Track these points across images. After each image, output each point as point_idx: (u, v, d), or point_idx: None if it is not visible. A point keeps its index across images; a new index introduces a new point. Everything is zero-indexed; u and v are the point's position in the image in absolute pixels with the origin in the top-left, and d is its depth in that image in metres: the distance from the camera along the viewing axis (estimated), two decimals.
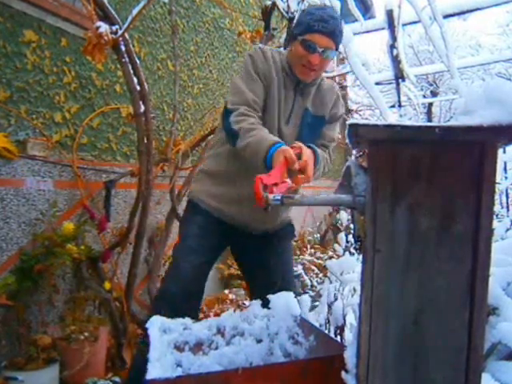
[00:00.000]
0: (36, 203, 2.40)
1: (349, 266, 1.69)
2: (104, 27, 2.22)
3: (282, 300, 1.26)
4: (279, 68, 1.71)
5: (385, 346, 0.77)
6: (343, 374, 0.88)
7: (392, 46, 3.42)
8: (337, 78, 7.14)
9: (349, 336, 1.52)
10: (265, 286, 1.63)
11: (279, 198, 0.92)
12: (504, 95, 0.68)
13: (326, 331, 1.63)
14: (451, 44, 2.94)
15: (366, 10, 7.70)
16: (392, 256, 0.75)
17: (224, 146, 1.72)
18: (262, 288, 1.64)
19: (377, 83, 4.50)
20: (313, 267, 4.95)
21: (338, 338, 1.55)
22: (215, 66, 4.24)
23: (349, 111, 8.70)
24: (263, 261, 1.77)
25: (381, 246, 0.76)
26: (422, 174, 0.73)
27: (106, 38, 2.19)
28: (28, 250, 2.29)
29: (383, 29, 3.65)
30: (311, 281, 4.63)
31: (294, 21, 1.68)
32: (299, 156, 1.42)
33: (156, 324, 1.18)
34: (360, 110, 9.47)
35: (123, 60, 2.42)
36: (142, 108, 2.49)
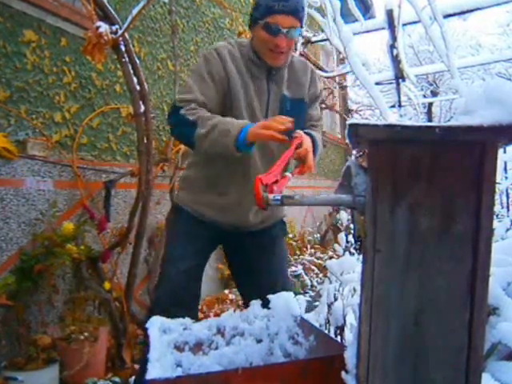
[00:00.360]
0: (36, 203, 2.40)
1: (349, 266, 1.69)
2: (104, 27, 2.22)
3: (282, 300, 1.26)
4: (243, 62, 1.62)
5: (385, 346, 0.77)
6: (343, 374, 0.88)
7: (392, 46, 3.42)
8: (337, 78, 7.15)
9: (349, 336, 1.52)
10: (257, 287, 1.60)
11: (279, 198, 0.92)
12: (504, 95, 0.68)
13: (326, 331, 1.62)
14: (451, 44, 2.94)
15: (366, 9, 7.70)
16: (392, 256, 0.75)
17: (199, 154, 1.67)
18: (253, 289, 1.61)
19: (377, 83, 4.50)
20: (313, 267, 4.96)
21: (338, 338, 1.55)
22: None
23: (349, 111, 8.70)
24: (254, 261, 1.72)
25: (381, 245, 0.75)
26: (422, 174, 0.73)
27: (105, 37, 2.19)
28: (28, 250, 2.29)
29: (383, 29, 3.65)
30: (311, 281, 4.63)
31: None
32: (300, 146, 1.39)
33: (156, 324, 1.18)
34: (360, 110, 9.47)
35: (123, 60, 2.42)
36: (142, 108, 2.49)
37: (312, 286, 4.57)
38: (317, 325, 1.45)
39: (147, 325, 1.19)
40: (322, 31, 3.70)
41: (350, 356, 0.88)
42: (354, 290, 1.65)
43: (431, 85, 13.12)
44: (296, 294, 1.56)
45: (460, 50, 13.22)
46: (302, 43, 3.86)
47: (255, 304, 1.28)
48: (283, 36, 1.51)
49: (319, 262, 5.10)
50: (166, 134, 3.44)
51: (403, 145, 0.73)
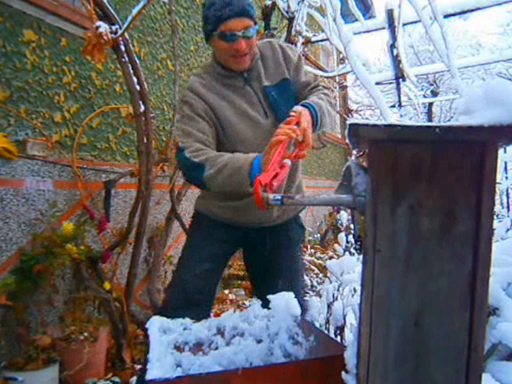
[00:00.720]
0: (36, 203, 2.40)
1: (349, 266, 1.69)
2: (104, 27, 2.22)
3: (282, 300, 1.25)
4: (217, 83, 1.63)
5: (385, 346, 0.77)
6: (343, 374, 0.88)
7: (392, 46, 3.42)
8: (337, 78, 7.15)
9: (349, 336, 1.52)
10: (274, 288, 1.58)
11: (279, 197, 0.92)
12: (505, 95, 0.68)
13: (326, 331, 1.62)
14: (452, 44, 2.94)
15: (367, 9, 7.71)
16: (392, 256, 0.75)
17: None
18: (270, 290, 1.61)
19: (377, 83, 4.50)
20: (313, 267, 4.95)
21: (338, 339, 1.55)
22: None
23: (349, 111, 8.70)
24: (273, 262, 1.74)
25: (381, 246, 0.75)
26: (423, 174, 0.73)
27: (105, 37, 2.19)
28: (28, 250, 2.29)
29: (383, 28, 3.65)
30: (311, 281, 4.63)
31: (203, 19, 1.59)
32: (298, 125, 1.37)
33: (156, 324, 1.18)
34: (360, 110, 9.47)
35: (123, 60, 2.42)
36: (142, 108, 2.49)
37: (312, 286, 4.56)
38: (317, 325, 1.45)
39: (147, 325, 1.19)
40: (322, 31, 3.70)
41: (350, 356, 0.88)
42: (354, 290, 1.66)
43: (431, 85, 13.12)
44: (308, 292, 1.57)
45: (460, 49, 13.23)
46: (302, 43, 3.86)
47: (255, 304, 1.28)
48: (241, 39, 1.51)
49: (319, 262, 5.10)
50: (165, 134, 3.44)
51: (403, 145, 0.73)
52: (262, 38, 3.42)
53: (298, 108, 1.45)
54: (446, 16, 3.53)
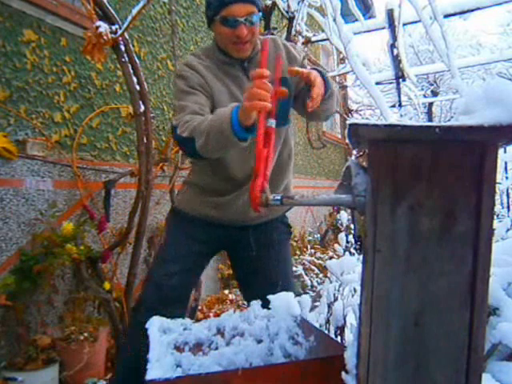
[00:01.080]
0: (35, 203, 2.39)
1: (349, 266, 1.69)
2: (103, 27, 2.22)
3: (282, 300, 1.25)
4: (215, 66, 1.58)
5: (385, 346, 0.77)
6: (343, 374, 0.88)
7: (392, 46, 3.42)
8: (337, 78, 7.15)
9: (349, 336, 1.52)
10: (260, 289, 1.56)
11: (279, 198, 0.92)
12: (505, 95, 0.68)
13: (327, 331, 1.62)
14: (452, 44, 2.94)
15: (367, 9, 7.71)
16: (392, 256, 0.75)
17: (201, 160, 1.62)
18: (257, 291, 1.56)
19: (377, 83, 4.50)
20: (313, 267, 4.95)
21: (339, 339, 1.55)
22: None
23: (349, 111, 8.70)
24: (258, 262, 1.69)
25: (381, 246, 0.75)
26: (423, 174, 0.73)
27: (105, 37, 2.19)
28: (27, 250, 2.29)
29: (384, 28, 3.65)
30: (311, 281, 4.63)
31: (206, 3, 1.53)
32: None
33: (156, 324, 1.18)
34: (360, 110, 9.47)
35: (123, 60, 2.42)
36: (142, 108, 2.49)
37: (312, 286, 4.57)
38: (317, 325, 1.45)
39: (147, 325, 1.19)
40: (322, 31, 3.70)
41: (350, 356, 0.87)
42: (355, 290, 1.65)
43: (431, 85, 13.13)
44: (299, 294, 1.55)
45: (460, 49, 13.23)
46: (302, 43, 3.86)
47: (255, 304, 1.28)
48: (243, 25, 1.47)
49: (319, 262, 5.10)
50: (165, 134, 3.44)
51: (403, 145, 0.73)
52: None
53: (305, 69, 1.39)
54: (446, 16, 3.53)
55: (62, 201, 2.56)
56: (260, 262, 1.69)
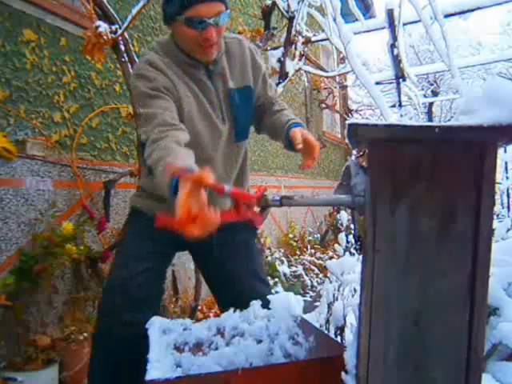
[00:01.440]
0: (35, 203, 2.39)
1: (349, 267, 1.69)
2: (103, 26, 2.22)
3: (282, 300, 1.25)
4: (177, 66, 1.41)
5: (385, 346, 0.77)
6: (343, 374, 0.88)
7: (392, 46, 3.41)
8: (337, 78, 7.15)
9: (349, 336, 1.52)
10: (227, 291, 1.49)
11: (278, 198, 0.92)
12: (504, 95, 0.68)
13: (327, 332, 1.62)
14: (452, 43, 2.94)
15: (367, 9, 7.71)
16: (392, 256, 0.75)
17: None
18: (224, 293, 1.50)
19: (377, 83, 4.50)
20: (313, 267, 4.95)
21: (339, 339, 1.55)
22: None
23: (349, 111, 8.70)
24: (224, 263, 1.56)
25: (381, 246, 0.75)
26: (422, 174, 0.73)
27: (105, 37, 2.19)
28: (27, 250, 2.29)
29: (384, 28, 3.65)
30: (311, 281, 4.63)
31: None
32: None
33: (155, 324, 1.18)
34: (360, 110, 9.47)
35: (123, 59, 2.42)
36: None
37: (312, 286, 4.57)
38: (317, 325, 1.45)
39: (147, 325, 1.19)
40: (322, 31, 3.70)
41: (350, 356, 0.87)
42: (355, 290, 1.65)
43: (432, 84, 13.13)
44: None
45: (461, 49, 13.23)
46: (302, 43, 3.85)
47: (255, 304, 1.28)
48: (211, 27, 1.30)
49: (319, 262, 5.10)
50: None
51: (403, 145, 0.73)
52: (262, 38, 3.42)
53: (296, 130, 1.35)
54: (447, 16, 3.52)
55: (61, 201, 2.55)
56: (224, 262, 1.56)
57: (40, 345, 2.16)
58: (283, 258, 4.59)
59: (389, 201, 0.74)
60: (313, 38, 4.17)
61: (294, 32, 3.46)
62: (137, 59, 2.51)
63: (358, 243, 0.84)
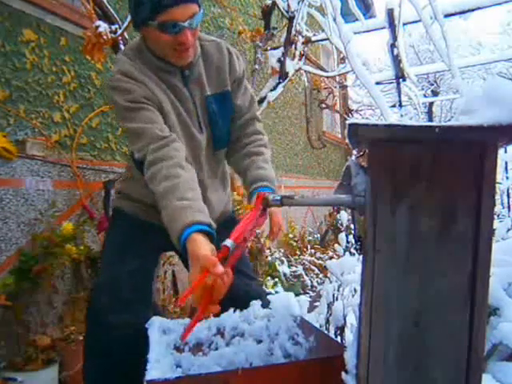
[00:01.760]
0: (35, 203, 2.39)
1: (349, 267, 1.69)
2: (103, 26, 2.21)
3: (282, 300, 1.25)
4: (152, 72, 1.34)
5: (385, 346, 0.77)
6: (343, 374, 0.88)
7: (393, 46, 3.42)
8: (337, 78, 7.15)
9: (349, 336, 1.52)
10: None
11: (279, 198, 0.92)
12: (505, 95, 0.68)
13: (327, 332, 1.62)
14: (452, 43, 2.94)
15: (367, 9, 7.70)
16: (392, 256, 0.75)
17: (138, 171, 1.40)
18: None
19: (377, 83, 4.50)
20: (313, 267, 4.95)
21: (339, 339, 1.55)
22: None
23: (349, 111, 8.70)
24: None
25: (381, 246, 0.75)
26: (423, 174, 0.73)
27: (105, 37, 2.19)
28: (27, 250, 2.29)
29: (384, 28, 3.65)
30: (311, 281, 4.63)
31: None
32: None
33: (155, 324, 1.18)
34: (360, 110, 9.48)
35: None
36: None
37: (312, 286, 4.56)
38: (317, 325, 1.45)
39: (147, 325, 1.19)
40: (323, 30, 3.70)
41: (350, 356, 0.87)
42: (355, 290, 1.65)
43: (432, 84, 13.13)
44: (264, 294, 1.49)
45: (461, 49, 13.23)
46: (302, 43, 3.85)
47: (255, 304, 1.28)
48: (186, 30, 1.24)
49: (319, 262, 5.10)
50: None
51: (403, 145, 0.73)
52: (262, 38, 3.42)
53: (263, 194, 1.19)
54: (447, 15, 3.53)
55: (61, 201, 2.55)
56: None
57: (40, 345, 2.16)
58: (283, 258, 4.59)
59: (389, 201, 0.74)
60: (313, 38, 4.17)
61: (294, 32, 3.46)
62: None
63: (358, 243, 0.84)
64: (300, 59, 3.76)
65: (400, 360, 0.76)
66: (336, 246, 3.24)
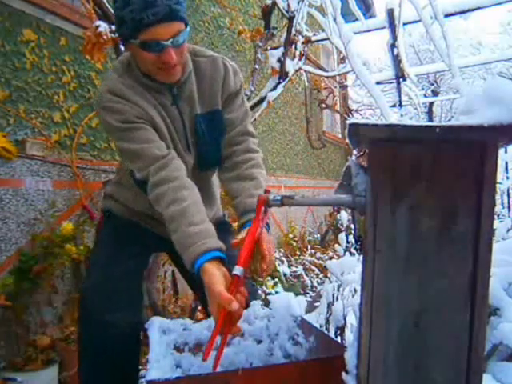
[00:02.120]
0: (35, 203, 2.39)
1: (349, 267, 1.68)
2: (103, 26, 2.21)
3: (282, 300, 1.25)
4: (143, 89, 1.31)
5: (385, 346, 0.77)
6: (343, 374, 0.87)
7: (393, 46, 3.42)
8: (337, 78, 7.15)
9: (349, 337, 1.51)
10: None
11: (279, 198, 0.92)
12: (505, 95, 0.68)
13: (327, 332, 1.62)
14: (452, 43, 2.94)
15: (367, 9, 7.71)
16: (392, 256, 0.75)
17: (128, 176, 1.38)
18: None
19: (377, 83, 4.50)
20: (313, 267, 4.95)
21: (339, 339, 1.55)
22: None
23: (349, 110, 8.70)
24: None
25: (381, 246, 0.75)
26: (423, 174, 0.73)
27: (105, 37, 2.18)
28: (27, 250, 2.28)
29: (384, 28, 3.65)
30: (311, 281, 4.63)
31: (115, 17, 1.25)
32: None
33: (155, 324, 1.18)
34: (361, 110, 9.48)
35: None
36: None
37: (312, 286, 4.56)
38: (317, 325, 1.45)
39: (147, 325, 1.19)
40: (323, 30, 3.70)
41: (350, 356, 0.87)
42: (355, 290, 1.65)
43: (432, 84, 13.13)
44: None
45: (461, 49, 13.24)
46: (303, 42, 3.85)
47: (255, 304, 1.28)
48: (169, 49, 1.19)
49: (319, 262, 5.10)
50: None
51: (404, 144, 0.73)
52: (262, 38, 3.42)
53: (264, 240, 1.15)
54: (447, 15, 3.52)
55: (61, 201, 2.55)
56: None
57: (40, 345, 2.16)
58: (283, 258, 4.59)
59: (389, 201, 0.74)
60: (313, 38, 4.17)
61: (294, 32, 3.46)
62: None
63: (359, 243, 0.84)
64: (300, 59, 3.76)
65: (400, 360, 0.76)
66: (336, 246, 3.24)
